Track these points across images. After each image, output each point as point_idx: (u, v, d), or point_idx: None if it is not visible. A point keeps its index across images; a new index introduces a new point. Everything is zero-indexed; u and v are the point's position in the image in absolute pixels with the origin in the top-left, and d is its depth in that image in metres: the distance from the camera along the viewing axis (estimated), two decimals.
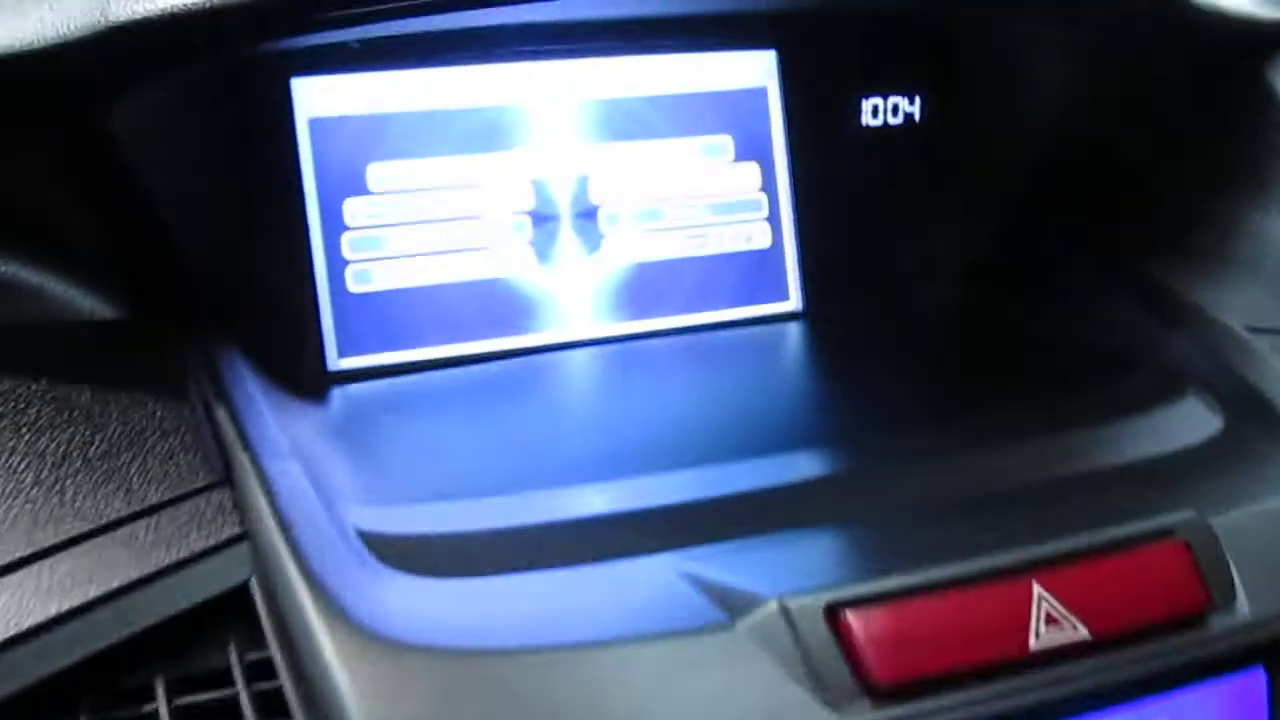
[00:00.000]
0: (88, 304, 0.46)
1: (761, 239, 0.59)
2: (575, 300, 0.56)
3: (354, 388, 0.52)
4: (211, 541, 0.32)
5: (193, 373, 0.40)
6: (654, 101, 0.57)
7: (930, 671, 0.29)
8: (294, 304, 0.53)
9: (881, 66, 0.60)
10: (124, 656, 0.29)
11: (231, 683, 0.30)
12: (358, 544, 0.32)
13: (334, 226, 0.53)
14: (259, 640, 0.30)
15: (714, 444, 0.43)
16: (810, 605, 0.28)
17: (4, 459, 0.33)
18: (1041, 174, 0.60)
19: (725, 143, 0.59)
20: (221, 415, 0.36)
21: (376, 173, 0.54)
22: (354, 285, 0.53)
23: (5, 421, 0.35)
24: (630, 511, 0.37)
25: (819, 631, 0.28)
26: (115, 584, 0.30)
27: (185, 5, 0.37)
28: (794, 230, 0.60)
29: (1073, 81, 0.57)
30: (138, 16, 0.37)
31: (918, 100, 0.61)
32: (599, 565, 0.32)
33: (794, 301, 0.60)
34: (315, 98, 0.53)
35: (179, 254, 0.49)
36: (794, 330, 0.59)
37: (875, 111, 0.60)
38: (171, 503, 0.33)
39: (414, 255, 0.54)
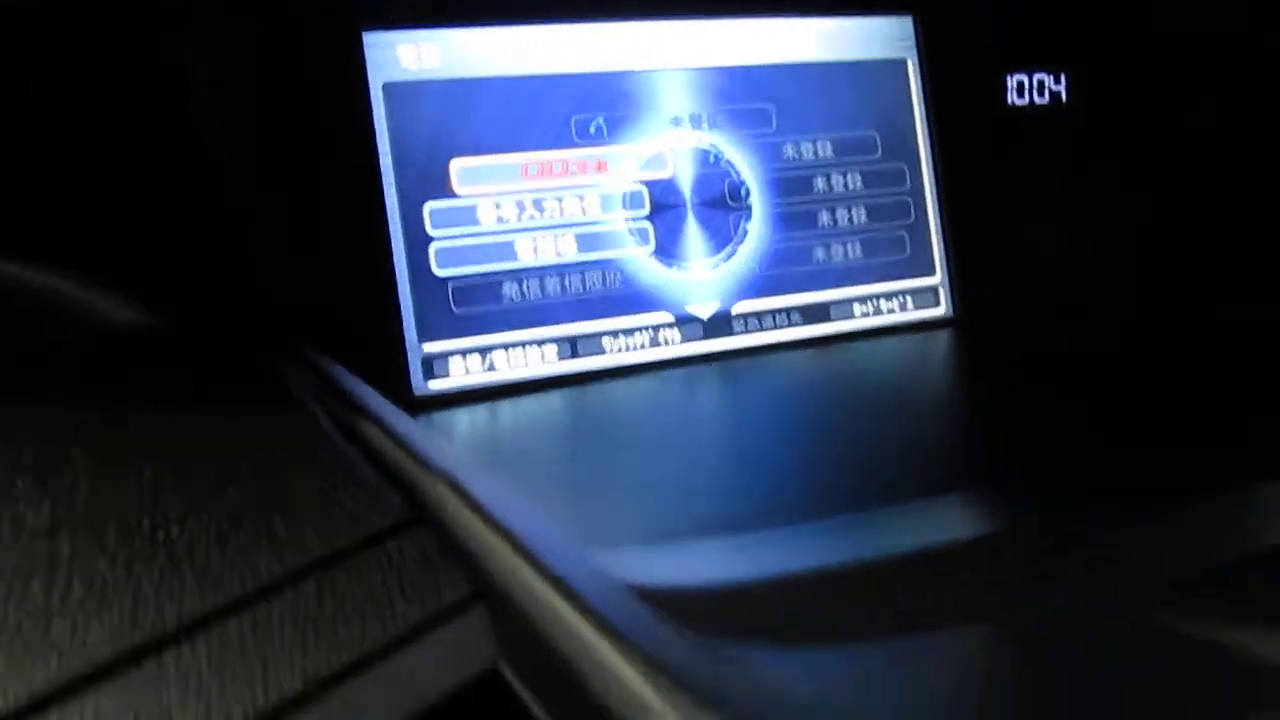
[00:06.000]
0: (121, 312, 0.35)
1: (902, 219, 0.51)
2: (699, 307, 0.47)
3: (448, 415, 0.41)
4: (421, 610, 0.21)
5: (309, 392, 0.29)
6: (793, 71, 0.49)
7: None
8: (371, 303, 0.42)
9: (1027, 39, 0.53)
10: None
11: None
12: (645, 603, 0.21)
13: (414, 217, 0.43)
14: None
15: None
16: None
17: (113, 517, 0.22)
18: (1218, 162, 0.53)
19: (864, 124, 0.50)
20: (382, 439, 0.25)
21: (461, 166, 0.43)
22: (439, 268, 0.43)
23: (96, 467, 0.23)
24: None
25: None
26: (290, 687, 0.18)
27: None
28: (939, 223, 0.51)
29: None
30: None
31: (1064, 79, 0.53)
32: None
33: (943, 306, 0.51)
34: (391, 57, 0.42)
35: (232, 239, 0.38)
36: (943, 341, 0.51)
37: (1021, 90, 0.53)
38: (344, 555, 0.22)
39: (509, 230, 0.44)
